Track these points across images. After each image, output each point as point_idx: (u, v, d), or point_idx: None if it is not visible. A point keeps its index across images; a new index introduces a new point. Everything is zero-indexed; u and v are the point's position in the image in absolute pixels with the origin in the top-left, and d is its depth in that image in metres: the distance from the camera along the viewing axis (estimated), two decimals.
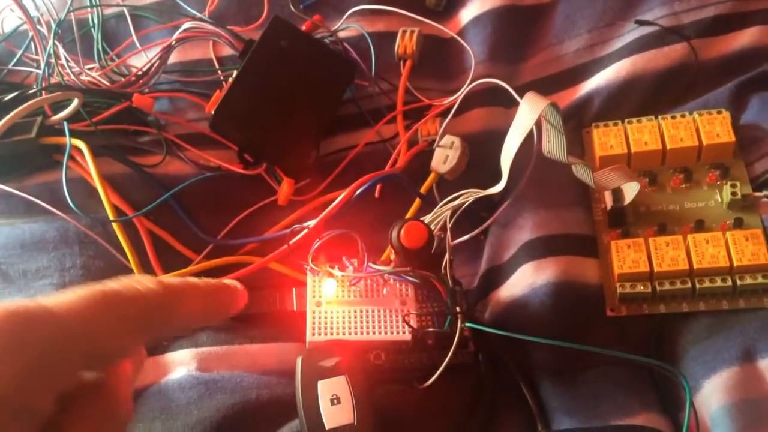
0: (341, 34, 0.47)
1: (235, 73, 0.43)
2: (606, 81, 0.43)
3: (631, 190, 0.38)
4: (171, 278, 0.24)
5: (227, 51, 0.48)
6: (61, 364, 0.21)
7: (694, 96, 0.42)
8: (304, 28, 0.45)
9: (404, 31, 0.46)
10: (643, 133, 0.40)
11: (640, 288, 0.36)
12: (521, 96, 0.37)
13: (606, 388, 0.34)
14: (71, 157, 0.40)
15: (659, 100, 0.43)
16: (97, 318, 0.21)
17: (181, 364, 0.35)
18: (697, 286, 0.35)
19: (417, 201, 0.41)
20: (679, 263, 0.35)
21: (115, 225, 0.39)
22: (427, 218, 0.35)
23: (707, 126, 0.39)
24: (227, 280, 0.27)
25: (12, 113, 0.38)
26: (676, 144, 0.39)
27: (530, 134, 0.34)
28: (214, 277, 0.38)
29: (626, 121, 0.41)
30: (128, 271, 0.38)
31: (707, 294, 0.35)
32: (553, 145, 0.35)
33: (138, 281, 0.23)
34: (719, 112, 0.40)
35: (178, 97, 0.46)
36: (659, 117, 0.41)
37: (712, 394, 0.32)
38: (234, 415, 0.33)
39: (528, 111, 0.33)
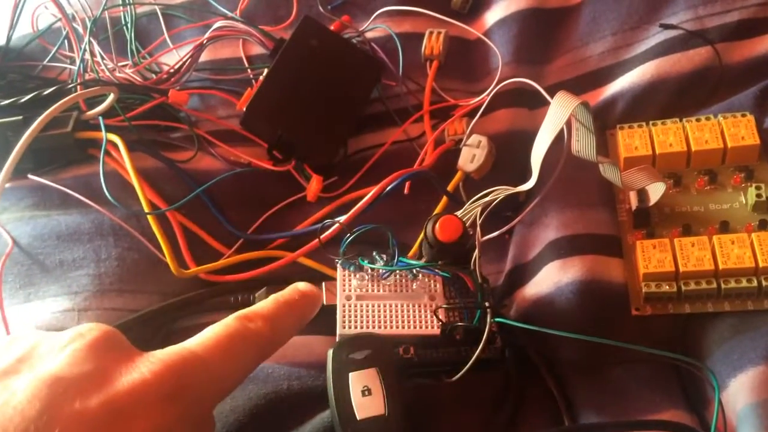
0: (369, 35, 0.48)
1: (265, 71, 0.44)
2: (630, 83, 0.44)
3: (656, 191, 0.38)
4: (266, 306, 0.26)
5: (256, 50, 0.48)
6: (206, 402, 0.24)
7: (718, 99, 0.43)
8: (332, 28, 0.46)
9: (431, 32, 0.47)
10: (668, 135, 0.41)
11: (665, 288, 0.36)
12: (549, 97, 0.37)
13: (632, 385, 0.34)
14: (106, 152, 0.41)
15: (683, 103, 0.43)
16: (230, 360, 0.24)
17: None
18: (723, 286, 0.35)
19: (444, 199, 0.41)
20: (705, 263, 0.36)
21: (149, 218, 0.39)
22: (457, 214, 0.36)
23: (732, 129, 0.40)
24: (301, 286, 0.29)
25: (53, 107, 0.39)
26: (701, 146, 0.40)
27: (559, 134, 0.35)
28: (245, 271, 0.40)
29: (651, 123, 0.41)
30: (162, 263, 0.39)
31: (732, 294, 0.36)
32: (582, 144, 0.36)
33: (246, 317, 0.25)
34: (743, 116, 0.40)
35: (209, 95, 0.47)
36: (684, 119, 0.41)
37: (738, 392, 0.32)
38: (266, 405, 0.34)
39: (559, 110, 0.34)
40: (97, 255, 0.39)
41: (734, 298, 0.36)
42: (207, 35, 0.45)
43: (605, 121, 0.44)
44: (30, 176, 0.42)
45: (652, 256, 0.37)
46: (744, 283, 0.35)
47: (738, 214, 0.38)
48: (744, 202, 0.39)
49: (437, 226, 0.34)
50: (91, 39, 0.45)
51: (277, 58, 0.43)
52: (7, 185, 0.42)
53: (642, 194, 0.39)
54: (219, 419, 0.33)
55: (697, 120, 0.41)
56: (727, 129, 0.40)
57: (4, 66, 0.49)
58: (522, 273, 0.39)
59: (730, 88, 0.43)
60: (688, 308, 0.36)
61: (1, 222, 0.41)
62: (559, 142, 0.36)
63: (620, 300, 0.37)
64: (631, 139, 0.41)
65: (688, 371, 0.35)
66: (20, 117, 0.42)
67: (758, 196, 0.38)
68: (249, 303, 0.38)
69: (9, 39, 0.50)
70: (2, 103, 0.43)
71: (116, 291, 0.38)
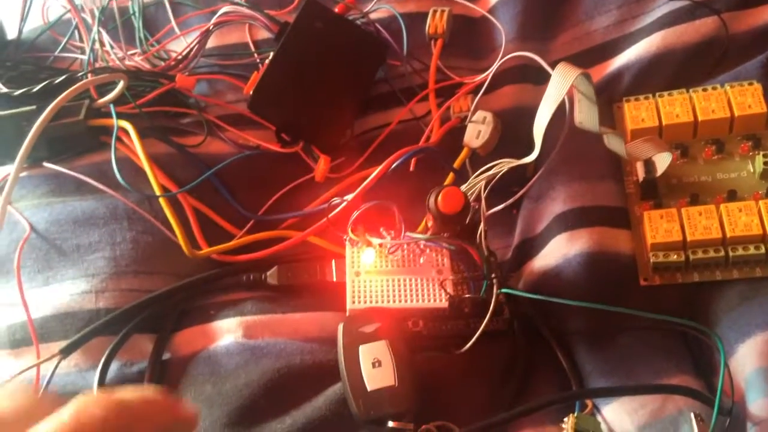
0: (373, 15, 0.48)
1: (271, 55, 0.44)
2: (636, 56, 0.44)
3: (663, 161, 0.38)
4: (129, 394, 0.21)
5: (263, 34, 0.49)
6: None
7: (724, 69, 0.42)
8: (336, 10, 0.46)
9: (435, 11, 0.47)
10: (675, 106, 0.40)
11: (673, 257, 0.36)
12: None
13: (640, 351, 0.35)
14: (118, 138, 0.42)
15: (690, 74, 0.43)
16: None
17: (228, 332, 0.37)
18: (731, 254, 0.35)
19: (450, 176, 0.42)
20: (713, 232, 0.36)
21: (161, 201, 0.40)
22: (462, 188, 0.36)
23: (739, 97, 0.40)
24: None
25: (63, 94, 0.40)
26: (708, 116, 0.40)
27: (562, 106, 0.35)
28: (256, 251, 0.40)
29: (657, 94, 0.41)
30: (175, 245, 0.40)
31: (740, 262, 0.36)
32: (585, 115, 0.36)
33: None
34: (750, 84, 0.40)
35: (218, 80, 0.47)
36: (690, 90, 0.41)
37: (746, 357, 0.32)
38: (279, 379, 0.35)
39: (560, 81, 0.34)
40: (113, 238, 0.40)
41: (742, 266, 0.36)
42: (213, 21, 0.45)
43: (612, 94, 0.44)
44: (45, 164, 0.43)
45: (659, 227, 0.37)
46: (752, 251, 0.35)
47: (746, 182, 0.38)
48: (752, 170, 0.39)
49: (440, 198, 0.34)
50: (100, 29, 0.46)
51: (281, 41, 0.44)
52: (24, 174, 0.43)
53: (649, 165, 0.39)
54: (233, 393, 0.34)
55: (704, 90, 0.41)
56: (734, 98, 0.40)
57: (17, 57, 0.50)
58: (530, 246, 0.40)
59: (737, 58, 0.42)
60: (697, 277, 0.36)
61: (18, 209, 0.42)
62: (563, 115, 0.36)
63: (628, 271, 0.37)
64: (638, 111, 0.41)
65: (696, 338, 0.35)
66: (33, 106, 0.43)
67: (766, 164, 0.38)
68: (261, 281, 0.39)
69: (20, 31, 0.51)
70: (15, 93, 0.44)
71: (132, 273, 0.39)
